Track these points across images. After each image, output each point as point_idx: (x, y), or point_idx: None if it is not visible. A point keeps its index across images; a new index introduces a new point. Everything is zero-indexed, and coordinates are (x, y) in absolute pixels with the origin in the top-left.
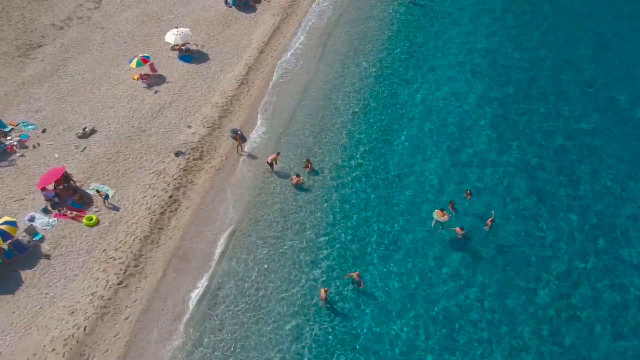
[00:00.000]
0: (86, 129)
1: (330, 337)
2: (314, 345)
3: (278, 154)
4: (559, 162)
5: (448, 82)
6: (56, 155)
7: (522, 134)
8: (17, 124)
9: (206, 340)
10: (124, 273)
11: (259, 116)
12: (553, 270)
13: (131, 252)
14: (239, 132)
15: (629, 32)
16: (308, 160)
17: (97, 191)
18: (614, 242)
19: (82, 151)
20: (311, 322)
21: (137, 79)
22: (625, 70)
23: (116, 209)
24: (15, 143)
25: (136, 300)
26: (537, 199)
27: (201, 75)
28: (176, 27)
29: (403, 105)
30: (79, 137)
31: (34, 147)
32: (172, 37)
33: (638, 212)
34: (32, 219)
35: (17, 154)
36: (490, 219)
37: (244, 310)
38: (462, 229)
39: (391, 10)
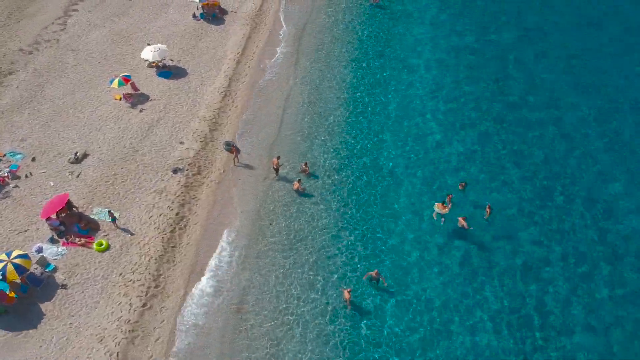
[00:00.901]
0: (78, 154)
1: (361, 334)
2: (347, 346)
3: (278, 158)
4: (532, 144)
5: (421, 79)
6: (52, 183)
7: (496, 123)
8: (4, 155)
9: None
10: (145, 295)
11: (248, 126)
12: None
13: (149, 273)
14: (233, 144)
15: None
16: (305, 164)
17: (110, 212)
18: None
19: (77, 176)
20: (340, 324)
21: (120, 99)
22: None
23: (125, 231)
24: (6, 174)
25: (163, 321)
26: (524, 182)
27: (183, 90)
28: (148, 44)
29: (382, 104)
30: (72, 163)
31: (27, 176)
32: (149, 54)
33: (620, 189)
34: (40, 250)
35: (11, 185)
36: (488, 207)
37: (270, 312)
38: (464, 218)
39: (355, 14)
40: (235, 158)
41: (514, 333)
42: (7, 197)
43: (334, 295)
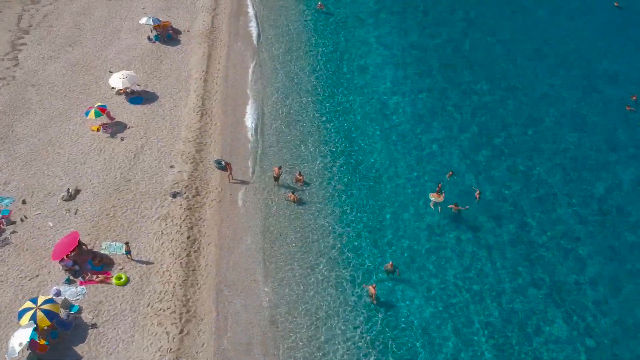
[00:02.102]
0: (70, 190)
1: (392, 326)
2: (379, 339)
3: (280, 167)
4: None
5: (380, 77)
6: (51, 224)
7: (456, 111)
8: None
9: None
10: (180, 321)
11: (233, 142)
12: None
13: (177, 299)
14: (226, 161)
15: None
16: (299, 174)
17: (127, 243)
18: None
19: (75, 213)
20: (372, 319)
21: (98, 129)
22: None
23: (140, 262)
24: None
25: (204, 344)
26: (502, 166)
27: (158, 114)
28: (110, 71)
29: (353, 104)
30: (66, 200)
31: (22, 220)
32: (118, 81)
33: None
34: (58, 293)
35: (8, 231)
36: (477, 192)
37: (301, 317)
38: (456, 205)
39: (305, 21)
40: (230, 175)
41: (511, 295)
42: (7, 244)
43: (360, 292)
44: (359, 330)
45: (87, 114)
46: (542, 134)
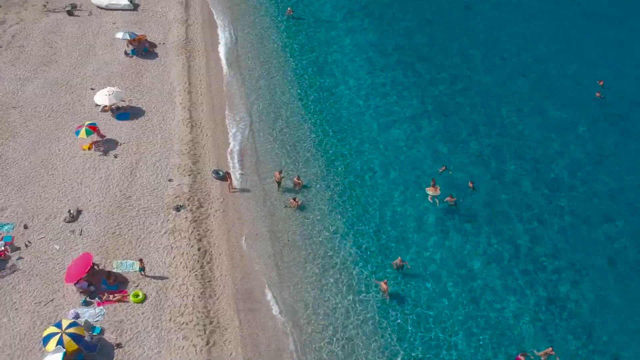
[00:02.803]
0: (71, 211)
1: (409, 319)
2: (397, 334)
3: (280, 171)
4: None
5: (358, 80)
6: (57, 247)
7: (434, 103)
8: None
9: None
10: (205, 333)
11: (226, 152)
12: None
13: (198, 312)
14: (227, 171)
15: None
16: (298, 178)
17: (140, 260)
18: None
19: (80, 234)
20: (389, 314)
21: (89, 148)
22: None
23: (154, 278)
24: (2, 247)
25: (232, 353)
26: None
27: (148, 128)
28: (92, 89)
29: (337, 104)
30: (69, 222)
31: (26, 245)
32: (104, 98)
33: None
34: (77, 316)
35: (14, 258)
36: (470, 183)
37: (323, 314)
38: (452, 196)
39: (277, 28)
40: (230, 184)
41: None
42: (15, 270)
43: (373, 288)
44: (377, 326)
45: (77, 133)
46: (524, 127)
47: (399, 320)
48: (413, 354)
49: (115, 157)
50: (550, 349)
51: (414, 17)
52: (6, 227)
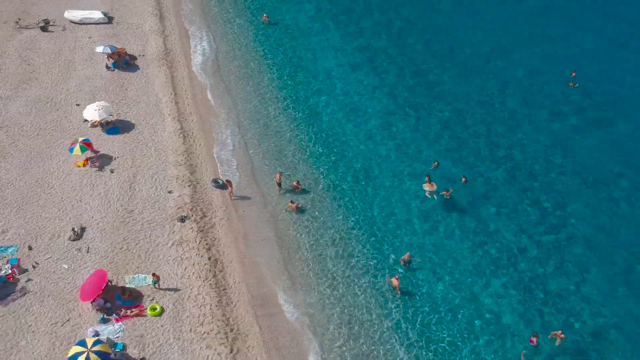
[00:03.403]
0: (75, 229)
1: (420, 313)
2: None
3: (281, 173)
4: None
5: (340, 82)
6: (65, 266)
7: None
8: None
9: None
10: (227, 340)
11: (222, 161)
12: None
13: (218, 320)
14: (227, 179)
15: None
16: (297, 182)
17: (154, 274)
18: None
19: (87, 252)
20: (401, 309)
21: (84, 165)
22: None
23: (168, 290)
24: (10, 271)
25: (257, 359)
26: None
27: (140, 141)
28: (77, 105)
29: (323, 105)
30: (74, 240)
31: (34, 267)
32: (94, 113)
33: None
34: (96, 334)
35: (23, 280)
36: (463, 177)
37: (340, 312)
38: (447, 191)
39: (254, 35)
40: (231, 192)
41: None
42: (25, 293)
43: (384, 285)
44: (391, 322)
45: (71, 150)
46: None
47: (410, 314)
48: (432, 347)
49: (112, 172)
50: (560, 332)
51: (389, 19)
52: (10, 250)
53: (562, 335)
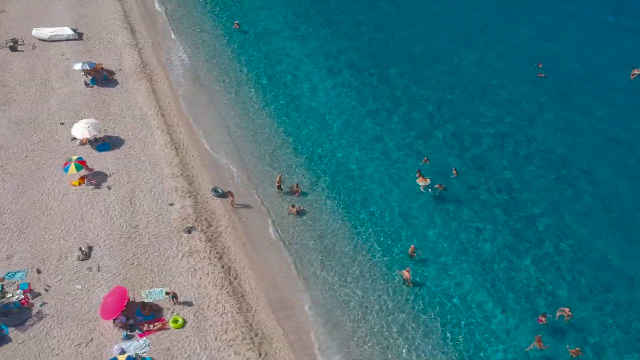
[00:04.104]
0: (82, 249)
1: (433, 303)
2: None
3: (281, 175)
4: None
5: (318, 84)
6: (79, 287)
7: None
8: (2, 278)
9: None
10: (254, 345)
11: (217, 169)
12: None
13: (242, 327)
14: (224, 190)
15: None
16: (296, 185)
17: (167, 293)
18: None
19: (98, 270)
20: (414, 300)
21: (79, 184)
22: None
23: (186, 301)
24: (22, 296)
25: None
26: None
27: (133, 156)
28: (62, 123)
29: (315, 108)
30: (82, 260)
31: (46, 290)
32: (83, 131)
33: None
34: (122, 351)
35: (38, 304)
36: (454, 169)
37: (357, 308)
38: (440, 185)
39: (227, 42)
40: (233, 200)
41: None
42: (43, 317)
43: (395, 278)
44: (406, 314)
45: (66, 169)
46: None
47: (423, 304)
48: (453, 336)
49: (109, 188)
50: (568, 309)
51: (356, 19)
52: (19, 275)
53: (569, 313)
